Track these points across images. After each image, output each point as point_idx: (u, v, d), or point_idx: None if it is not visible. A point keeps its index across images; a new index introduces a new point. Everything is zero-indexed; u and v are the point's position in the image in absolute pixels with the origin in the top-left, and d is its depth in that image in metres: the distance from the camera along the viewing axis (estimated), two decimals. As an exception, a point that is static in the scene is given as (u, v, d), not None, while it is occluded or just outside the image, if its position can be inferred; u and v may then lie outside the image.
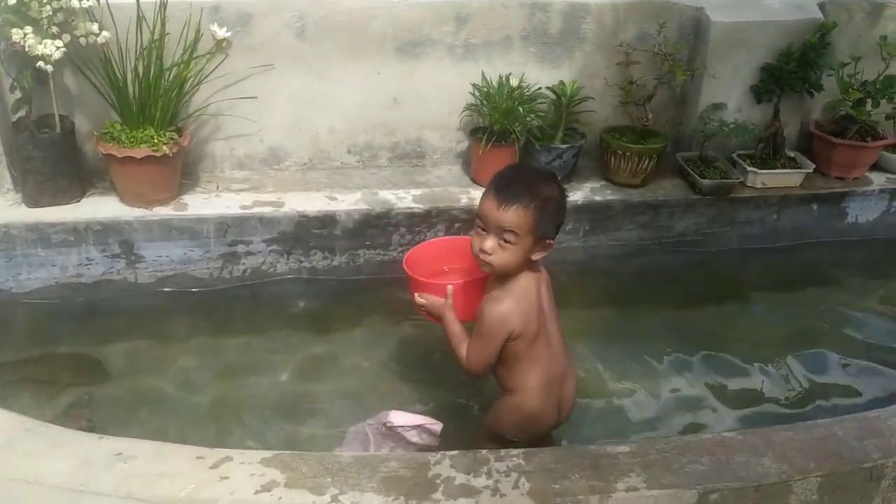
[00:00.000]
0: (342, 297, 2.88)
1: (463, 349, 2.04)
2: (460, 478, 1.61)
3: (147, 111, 2.58)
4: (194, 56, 2.61)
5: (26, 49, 2.24)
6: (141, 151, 2.55)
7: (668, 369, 2.61)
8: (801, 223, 3.26)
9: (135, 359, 2.53)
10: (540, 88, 3.01)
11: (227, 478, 1.56)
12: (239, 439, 2.25)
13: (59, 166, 2.59)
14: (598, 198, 3.02)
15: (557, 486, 1.59)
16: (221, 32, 2.60)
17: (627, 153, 2.98)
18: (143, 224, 2.63)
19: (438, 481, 1.60)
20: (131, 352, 2.56)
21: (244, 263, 2.80)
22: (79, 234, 2.60)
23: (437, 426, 2.11)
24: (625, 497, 1.58)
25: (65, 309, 2.68)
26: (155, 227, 2.65)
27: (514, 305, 1.93)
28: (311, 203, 2.79)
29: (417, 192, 2.93)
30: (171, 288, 2.78)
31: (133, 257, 2.68)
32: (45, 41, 2.24)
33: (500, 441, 2.16)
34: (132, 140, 2.57)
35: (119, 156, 2.55)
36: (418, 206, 2.84)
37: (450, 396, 2.48)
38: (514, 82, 2.93)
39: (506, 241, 1.88)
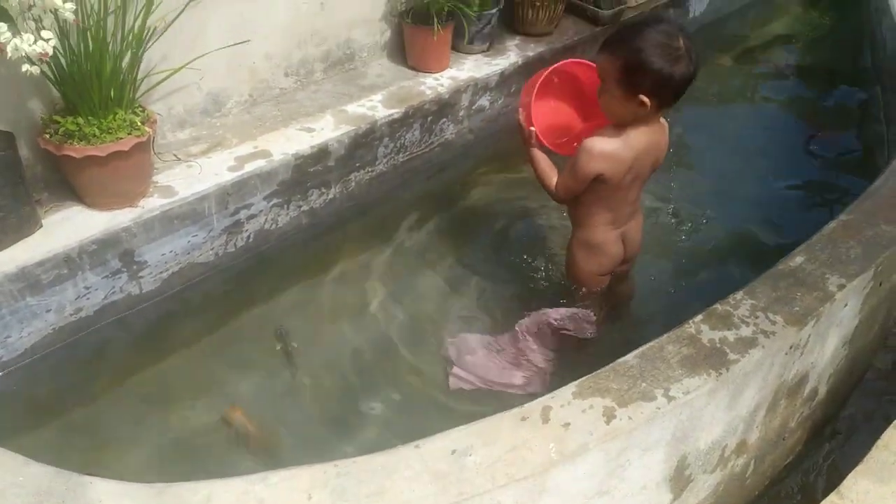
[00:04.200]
0: (346, 228, 2.72)
1: (553, 178, 2.13)
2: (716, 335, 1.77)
3: (109, 91, 2.06)
4: (117, 6, 2.08)
5: (8, 53, 1.64)
6: (127, 142, 2.06)
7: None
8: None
9: (170, 391, 2.19)
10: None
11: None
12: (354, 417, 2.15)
13: (18, 191, 2.01)
14: (531, 53, 3.08)
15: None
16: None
17: (545, 3, 3.05)
18: (142, 225, 2.18)
19: (725, 347, 1.76)
20: (164, 380, 2.22)
21: (247, 230, 2.47)
22: (72, 262, 2.09)
23: (590, 314, 2.22)
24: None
25: (69, 357, 2.20)
26: (156, 223, 2.21)
27: (610, 150, 1.99)
28: (292, 142, 2.50)
29: (379, 97, 2.75)
30: (178, 286, 2.39)
31: (135, 267, 2.24)
32: (25, 35, 1.66)
33: (584, 294, 2.34)
34: (107, 131, 2.06)
35: (102, 155, 2.04)
36: (396, 111, 2.69)
37: (511, 283, 2.56)
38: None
39: (602, 87, 1.97)
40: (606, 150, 1.99)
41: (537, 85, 2.11)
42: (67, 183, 2.18)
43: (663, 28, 1.88)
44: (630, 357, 1.73)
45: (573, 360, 2.30)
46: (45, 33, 1.70)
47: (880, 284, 2.07)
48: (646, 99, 1.90)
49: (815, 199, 3.05)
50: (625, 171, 2.03)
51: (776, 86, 3.76)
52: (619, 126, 2.00)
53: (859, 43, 4.05)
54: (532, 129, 2.12)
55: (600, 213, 2.15)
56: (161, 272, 2.31)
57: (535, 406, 1.61)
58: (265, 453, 2.02)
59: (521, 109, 2.15)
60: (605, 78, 1.93)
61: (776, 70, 3.91)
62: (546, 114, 2.23)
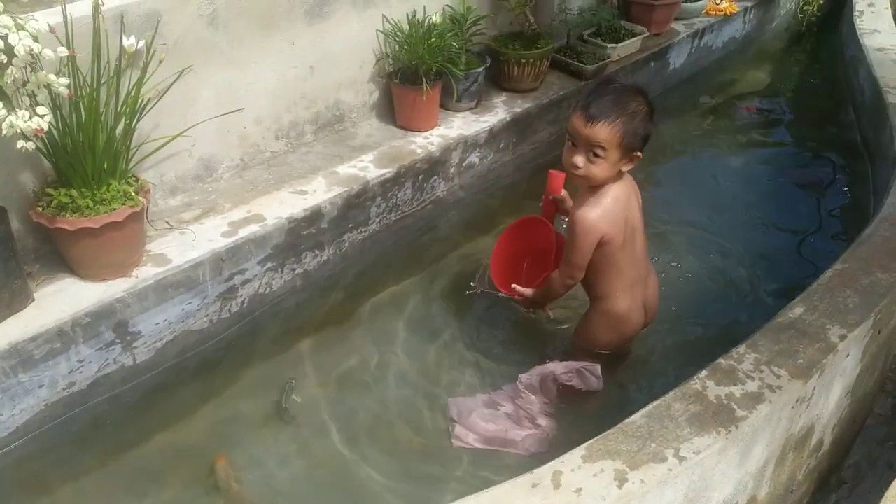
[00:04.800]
0: (340, 290, 2.70)
1: (554, 277, 2.20)
2: (722, 390, 1.76)
3: (102, 162, 2.04)
4: (109, 77, 2.08)
5: (3, 131, 1.62)
6: (120, 212, 2.05)
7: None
8: (644, 79, 3.70)
9: (170, 476, 2.11)
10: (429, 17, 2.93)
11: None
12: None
13: (9, 266, 1.98)
14: (518, 109, 3.11)
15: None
16: (136, 43, 2.10)
17: (531, 60, 3.09)
18: (136, 295, 2.15)
19: (732, 403, 1.75)
20: (160, 452, 2.16)
21: (241, 295, 2.44)
22: (65, 336, 2.05)
23: (596, 367, 2.20)
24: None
25: (61, 431, 2.15)
26: (150, 293, 2.18)
27: (603, 212, 2.06)
28: (286, 205, 2.49)
29: (370, 157, 2.76)
30: (172, 355, 2.34)
31: (129, 337, 2.20)
32: (20, 112, 1.64)
33: (591, 354, 2.33)
34: (101, 202, 2.04)
35: (96, 226, 2.02)
36: (388, 171, 2.69)
37: (510, 339, 2.54)
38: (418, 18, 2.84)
39: (595, 156, 2.00)
40: (599, 213, 2.05)
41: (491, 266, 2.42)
42: (60, 254, 2.16)
43: (638, 94, 2.02)
44: (637, 417, 1.71)
45: (575, 414, 2.29)
46: (40, 109, 1.69)
47: (879, 332, 2.08)
48: (640, 154, 2.03)
49: (803, 245, 3.07)
50: (623, 225, 2.08)
51: (757, 134, 3.82)
52: (595, 188, 2.06)
53: (836, 89, 4.14)
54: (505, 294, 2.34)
55: (616, 278, 2.17)
56: (155, 341, 2.27)
57: (545, 471, 1.58)
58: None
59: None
60: (605, 146, 1.98)
61: (756, 119, 3.98)
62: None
